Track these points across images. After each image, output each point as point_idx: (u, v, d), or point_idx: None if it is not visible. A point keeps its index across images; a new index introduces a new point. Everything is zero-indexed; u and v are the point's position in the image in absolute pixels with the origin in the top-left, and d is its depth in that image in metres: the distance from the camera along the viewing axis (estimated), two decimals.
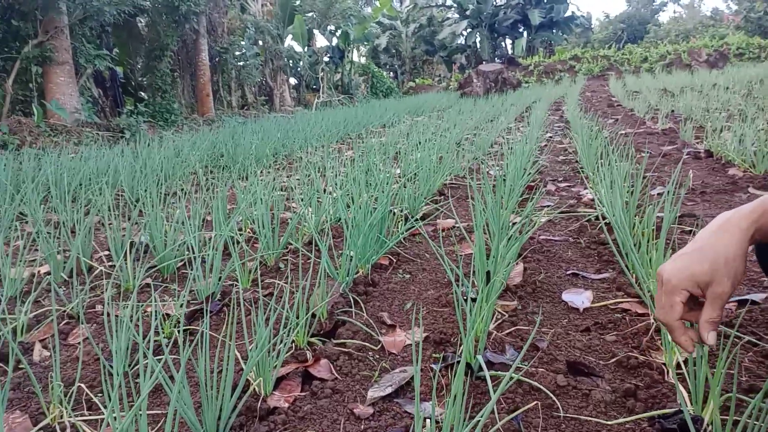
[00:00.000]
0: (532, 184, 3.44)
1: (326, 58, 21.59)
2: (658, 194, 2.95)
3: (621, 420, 1.14)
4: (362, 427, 1.17)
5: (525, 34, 29.83)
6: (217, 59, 14.80)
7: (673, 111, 7.34)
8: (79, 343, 1.64)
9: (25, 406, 1.31)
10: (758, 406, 0.93)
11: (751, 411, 0.93)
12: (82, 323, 1.69)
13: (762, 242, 0.94)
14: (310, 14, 20.36)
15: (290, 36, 19.76)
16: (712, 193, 2.96)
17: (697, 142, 4.68)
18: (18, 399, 1.34)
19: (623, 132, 5.88)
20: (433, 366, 1.37)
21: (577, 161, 4.29)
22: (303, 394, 1.31)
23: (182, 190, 3.93)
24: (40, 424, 1.21)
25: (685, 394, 1.18)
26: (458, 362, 1.19)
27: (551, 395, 1.21)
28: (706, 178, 3.35)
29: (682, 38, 35.56)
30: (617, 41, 40.52)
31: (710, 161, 3.86)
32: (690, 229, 2.30)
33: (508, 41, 31.65)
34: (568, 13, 29.48)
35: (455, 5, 29.65)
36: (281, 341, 1.36)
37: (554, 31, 29.36)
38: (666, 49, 22.37)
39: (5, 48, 8.55)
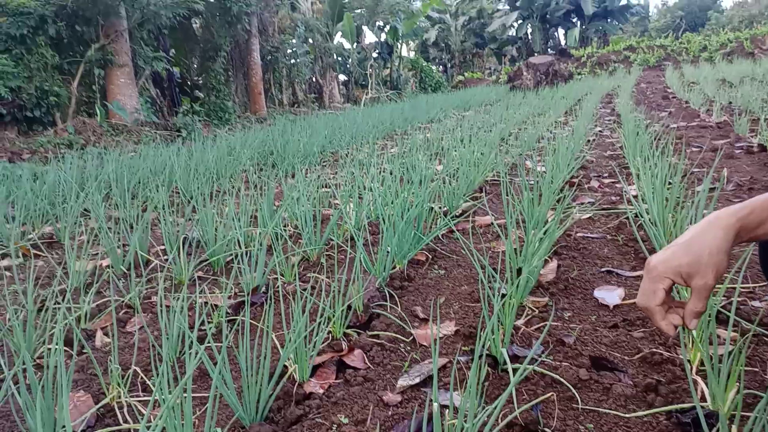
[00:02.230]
0: (573, 180, 3.43)
1: (375, 54, 21.74)
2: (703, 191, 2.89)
3: (639, 413, 1.18)
4: (390, 413, 1.25)
5: (578, 24, 29.16)
6: (268, 58, 15.14)
7: (730, 103, 7.09)
8: (135, 330, 1.78)
9: (87, 386, 1.46)
10: None
11: (764, 407, 0.96)
12: (139, 313, 1.83)
13: (753, 240, 0.97)
14: (358, 11, 20.53)
15: (339, 33, 20.02)
16: (760, 189, 2.90)
17: (752, 136, 4.54)
18: (82, 380, 1.49)
19: (675, 125, 5.74)
20: (460, 358, 1.44)
21: (624, 156, 4.24)
22: (337, 381, 1.40)
23: (233, 187, 4.10)
24: (101, 403, 1.34)
25: (706, 390, 1.21)
26: (480, 356, 1.26)
27: (572, 388, 1.26)
28: (756, 173, 3.27)
29: (745, 25, 33.95)
30: (675, 30, 39.09)
31: (763, 156, 3.75)
32: None
33: (561, 32, 31.01)
34: (623, 2, 28.63)
35: None
36: (318, 331, 1.45)
37: (608, 20, 28.58)
38: (727, 37, 21.44)
39: (70, 52, 9.03)
